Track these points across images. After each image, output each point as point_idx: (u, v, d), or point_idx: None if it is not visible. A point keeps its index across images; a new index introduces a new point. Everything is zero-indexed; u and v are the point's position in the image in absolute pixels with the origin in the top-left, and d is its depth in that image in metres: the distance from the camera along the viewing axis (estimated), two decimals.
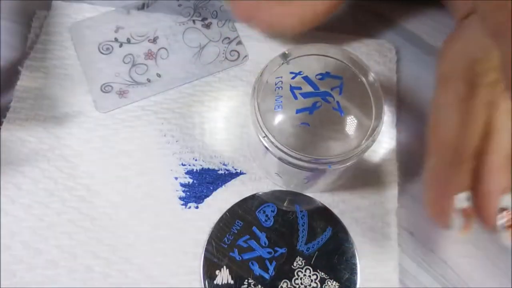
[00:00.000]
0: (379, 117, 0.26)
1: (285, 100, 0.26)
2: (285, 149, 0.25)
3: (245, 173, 0.33)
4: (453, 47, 0.26)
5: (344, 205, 0.32)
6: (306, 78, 0.27)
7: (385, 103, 0.26)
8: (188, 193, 0.32)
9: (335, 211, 0.32)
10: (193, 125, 0.34)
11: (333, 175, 0.29)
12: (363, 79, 0.27)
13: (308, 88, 0.26)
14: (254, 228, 0.31)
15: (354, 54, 0.27)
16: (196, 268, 0.30)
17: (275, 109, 0.26)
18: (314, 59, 0.27)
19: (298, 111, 0.26)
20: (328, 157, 0.25)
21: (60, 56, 0.35)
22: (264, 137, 0.26)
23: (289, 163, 0.26)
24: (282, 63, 0.27)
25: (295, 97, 0.26)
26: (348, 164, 0.26)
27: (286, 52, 0.27)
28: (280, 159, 0.26)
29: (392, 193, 0.33)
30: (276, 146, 0.25)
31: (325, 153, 0.26)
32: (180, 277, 0.30)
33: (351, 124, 0.26)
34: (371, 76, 0.27)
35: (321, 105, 0.26)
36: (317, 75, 0.27)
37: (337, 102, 0.26)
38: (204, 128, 0.34)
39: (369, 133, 0.26)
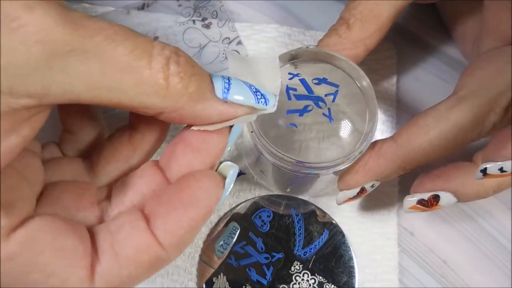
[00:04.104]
0: (370, 130, 0.26)
1: (279, 100, 0.26)
2: (269, 147, 0.25)
3: (245, 173, 0.33)
4: (477, 73, 0.27)
5: (342, 207, 0.32)
6: (302, 81, 0.27)
7: (380, 112, 0.26)
8: None
9: (332, 214, 0.32)
10: None
11: (326, 179, 0.29)
12: (358, 84, 0.27)
13: (303, 91, 0.26)
14: (250, 233, 0.31)
15: (353, 63, 0.27)
16: (193, 270, 0.30)
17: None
18: (314, 64, 0.27)
19: (288, 112, 0.26)
20: (311, 162, 0.25)
21: None
22: (251, 132, 0.26)
23: (273, 163, 0.26)
24: (285, 64, 0.27)
25: (289, 98, 0.26)
26: (330, 171, 0.26)
27: (293, 53, 0.27)
28: (263, 155, 0.26)
29: (392, 193, 0.33)
30: (262, 144, 0.25)
31: (311, 158, 0.26)
32: (175, 277, 0.30)
33: (340, 131, 0.26)
34: (366, 82, 0.27)
35: (312, 109, 0.26)
36: (313, 79, 0.27)
37: (328, 108, 0.26)
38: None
39: (350, 152, 0.25)
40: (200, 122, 0.20)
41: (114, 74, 0.17)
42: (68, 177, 0.22)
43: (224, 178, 0.21)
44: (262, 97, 0.21)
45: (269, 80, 0.22)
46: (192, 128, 0.20)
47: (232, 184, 0.21)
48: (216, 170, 0.21)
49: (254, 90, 0.21)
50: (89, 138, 0.25)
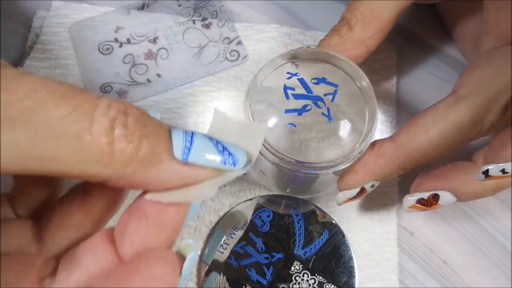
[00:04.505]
0: (370, 130, 0.26)
1: (277, 99, 0.26)
2: (269, 147, 0.25)
3: (245, 173, 0.33)
4: (477, 72, 0.27)
5: (341, 207, 0.32)
6: (301, 80, 0.27)
7: (380, 112, 0.26)
8: None
9: (332, 214, 0.32)
10: (193, 125, 0.34)
11: (326, 179, 0.29)
12: (358, 84, 0.27)
13: (301, 91, 0.26)
14: (250, 233, 0.31)
15: (353, 63, 0.27)
16: (193, 270, 0.30)
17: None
18: (314, 63, 0.27)
19: (287, 111, 0.26)
20: (311, 162, 0.25)
21: (60, 56, 0.35)
22: None
23: (273, 163, 0.26)
24: (285, 63, 0.27)
25: (287, 97, 0.26)
26: (330, 171, 0.26)
27: (293, 53, 0.27)
28: (262, 155, 0.26)
29: (392, 193, 0.33)
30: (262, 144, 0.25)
31: (311, 158, 0.26)
32: None
33: (339, 131, 0.26)
34: (365, 82, 0.27)
35: (310, 109, 0.26)
36: (312, 79, 0.27)
37: (327, 108, 0.26)
38: (204, 128, 0.34)
39: (349, 152, 0.26)
40: (155, 188, 0.17)
41: (46, 142, 0.15)
42: (12, 246, 0.19)
43: (183, 260, 0.17)
44: (230, 156, 0.18)
45: (249, 145, 0.19)
46: (146, 196, 0.17)
47: (191, 268, 0.18)
48: (176, 249, 0.18)
49: (221, 149, 0.18)
50: (43, 196, 0.21)
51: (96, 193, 0.20)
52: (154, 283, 0.16)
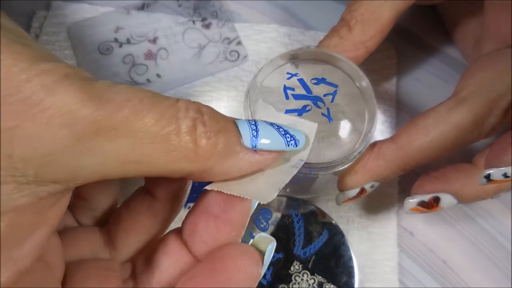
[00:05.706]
0: (370, 130, 0.26)
1: (277, 100, 0.26)
2: None
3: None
4: (478, 75, 0.27)
5: (341, 207, 0.32)
6: (301, 81, 0.27)
7: (380, 112, 0.26)
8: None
9: (332, 214, 0.32)
10: None
11: (325, 179, 0.29)
12: (357, 85, 0.27)
13: (301, 91, 0.26)
14: (250, 234, 0.31)
15: (352, 64, 0.27)
16: None
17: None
18: (314, 64, 0.27)
19: (287, 112, 0.26)
20: (310, 163, 0.25)
21: (59, 56, 0.35)
22: None
23: None
24: (285, 63, 0.27)
25: (287, 97, 0.26)
26: (329, 171, 0.26)
27: (293, 53, 0.27)
28: None
29: (392, 193, 0.33)
30: None
31: (311, 158, 0.26)
32: None
33: (339, 131, 0.26)
34: (365, 82, 0.27)
35: (310, 109, 0.26)
36: (312, 79, 0.27)
37: (327, 108, 0.26)
38: None
39: (349, 152, 0.26)
40: (231, 177, 0.18)
41: (144, 146, 0.16)
42: (87, 253, 0.21)
43: (261, 253, 0.19)
44: (292, 138, 0.19)
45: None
46: (208, 187, 0.18)
47: (270, 258, 0.19)
48: (250, 243, 0.19)
49: (283, 132, 0.19)
50: (106, 204, 0.23)
51: (163, 197, 0.21)
52: (242, 276, 0.18)
